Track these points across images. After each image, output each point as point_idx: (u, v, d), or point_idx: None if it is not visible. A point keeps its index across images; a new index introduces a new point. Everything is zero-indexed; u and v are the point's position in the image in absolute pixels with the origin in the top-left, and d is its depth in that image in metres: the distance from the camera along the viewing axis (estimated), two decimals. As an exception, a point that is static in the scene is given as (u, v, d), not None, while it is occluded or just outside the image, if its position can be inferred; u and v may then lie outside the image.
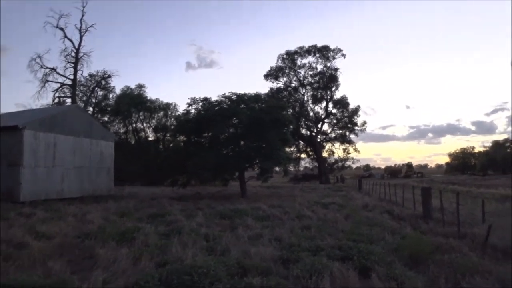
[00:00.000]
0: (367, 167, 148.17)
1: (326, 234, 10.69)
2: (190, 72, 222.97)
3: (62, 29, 47.73)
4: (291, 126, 31.48)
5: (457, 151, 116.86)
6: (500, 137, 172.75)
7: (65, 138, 26.92)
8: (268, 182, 35.68)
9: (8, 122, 26.96)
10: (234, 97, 27.30)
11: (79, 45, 48.61)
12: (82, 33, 48.93)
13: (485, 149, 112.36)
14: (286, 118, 27.22)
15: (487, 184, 41.32)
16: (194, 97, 27.85)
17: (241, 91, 28.01)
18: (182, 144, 28.18)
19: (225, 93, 27.64)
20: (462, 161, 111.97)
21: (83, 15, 49.03)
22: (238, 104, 26.67)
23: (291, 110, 54.98)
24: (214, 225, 13.20)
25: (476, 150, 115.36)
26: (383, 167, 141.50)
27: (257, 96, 27.79)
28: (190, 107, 28.06)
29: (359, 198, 24.87)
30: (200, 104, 27.60)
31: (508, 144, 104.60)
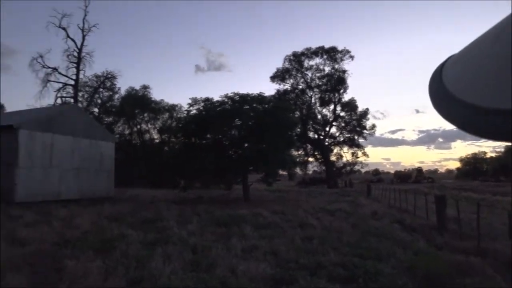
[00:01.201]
0: (376, 172, 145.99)
1: (330, 247, 9.57)
2: (199, 74, 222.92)
3: (64, 29, 47.12)
4: (298, 129, 30.35)
5: (468, 156, 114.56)
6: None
7: (63, 138, 26.13)
8: (273, 186, 34.54)
9: (6, 122, 26.39)
10: (237, 97, 26.24)
11: (82, 45, 47.93)
12: (85, 33, 48.25)
13: (497, 154, 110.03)
14: (291, 120, 26.04)
15: (501, 191, 39.70)
16: (196, 98, 26.89)
17: (246, 92, 26.77)
18: (183, 146, 27.11)
19: (227, 94, 26.68)
20: (474, 167, 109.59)
21: (85, 15, 48.42)
22: (241, 105, 25.61)
23: (298, 113, 53.83)
24: (208, 233, 12.14)
25: (487, 156, 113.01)
26: (392, 172, 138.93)
27: (260, 97, 26.66)
28: (191, 108, 27.09)
29: (367, 205, 23.67)
30: (202, 104, 26.59)
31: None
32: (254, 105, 26.11)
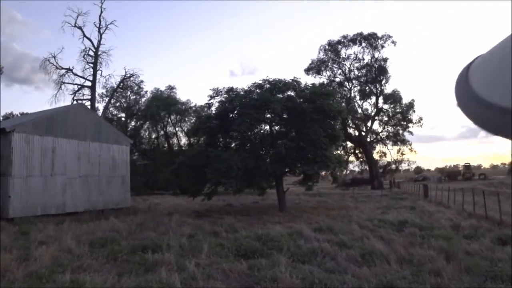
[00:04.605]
0: (418, 170, 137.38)
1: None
2: (233, 79, 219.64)
3: (80, 28, 43.88)
4: (343, 118, 25.12)
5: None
6: None
7: (67, 142, 22.51)
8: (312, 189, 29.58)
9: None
10: (266, 85, 21.61)
11: (98, 43, 44.61)
12: (102, 31, 44.98)
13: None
14: (334, 108, 20.97)
15: None
16: (217, 88, 22.40)
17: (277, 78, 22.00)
18: (204, 146, 22.61)
19: (255, 82, 22.11)
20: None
21: (101, 12, 45.12)
22: (272, 93, 20.89)
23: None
24: (219, 275, 7.63)
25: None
26: (432, 169, 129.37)
27: (295, 82, 21.86)
28: (212, 100, 22.57)
29: (435, 212, 18.41)
30: (225, 96, 22.10)
31: None
32: (288, 92, 21.43)
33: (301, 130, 20.01)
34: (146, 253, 9.35)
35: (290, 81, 21.84)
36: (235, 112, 20.70)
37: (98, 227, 15.61)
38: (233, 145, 22.99)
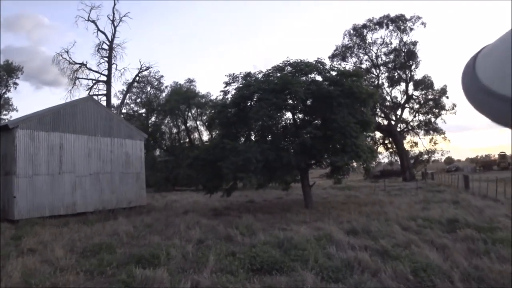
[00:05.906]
0: (448, 160, 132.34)
1: None
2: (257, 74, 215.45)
3: (94, 21, 42.53)
4: (374, 103, 22.70)
5: None
6: None
7: (76, 137, 21.15)
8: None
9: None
10: (287, 67, 19.44)
11: (113, 36, 43.19)
12: (116, 24, 43.57)
13: None
14: (364, 90, 18.60)
15: None
16: (233, 73, 20.35)
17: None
18: (220, 137, 20.61)
19: (275, 65, 19.98)
20: None
21: (115, 4, 43.89)
22: (294, 76, 18.68)
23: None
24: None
25: None
26: (463, 159, 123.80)
27: (320, 64, 19.57)
28: (228, 87, 20.53)
29: (485, 207, 15.91)
30: (242, 82, 20.03)
31: None
32: (312, 75, 19.21)
33: (327, 117, 17.71)
34: (138, 267, 7.48)
35: (314, 62, 19.57)
36: (254, 99, 18.67)
37: (102, 229, 14.08)
38: (252, 136, 21.00)
